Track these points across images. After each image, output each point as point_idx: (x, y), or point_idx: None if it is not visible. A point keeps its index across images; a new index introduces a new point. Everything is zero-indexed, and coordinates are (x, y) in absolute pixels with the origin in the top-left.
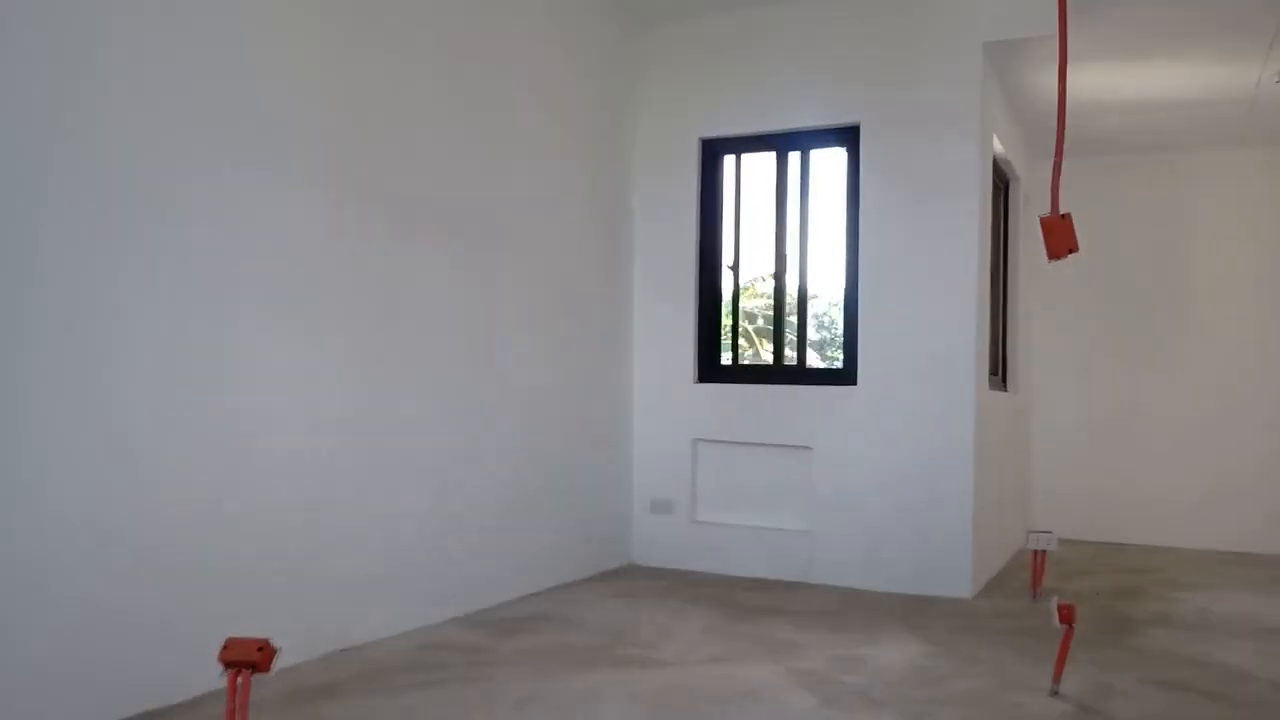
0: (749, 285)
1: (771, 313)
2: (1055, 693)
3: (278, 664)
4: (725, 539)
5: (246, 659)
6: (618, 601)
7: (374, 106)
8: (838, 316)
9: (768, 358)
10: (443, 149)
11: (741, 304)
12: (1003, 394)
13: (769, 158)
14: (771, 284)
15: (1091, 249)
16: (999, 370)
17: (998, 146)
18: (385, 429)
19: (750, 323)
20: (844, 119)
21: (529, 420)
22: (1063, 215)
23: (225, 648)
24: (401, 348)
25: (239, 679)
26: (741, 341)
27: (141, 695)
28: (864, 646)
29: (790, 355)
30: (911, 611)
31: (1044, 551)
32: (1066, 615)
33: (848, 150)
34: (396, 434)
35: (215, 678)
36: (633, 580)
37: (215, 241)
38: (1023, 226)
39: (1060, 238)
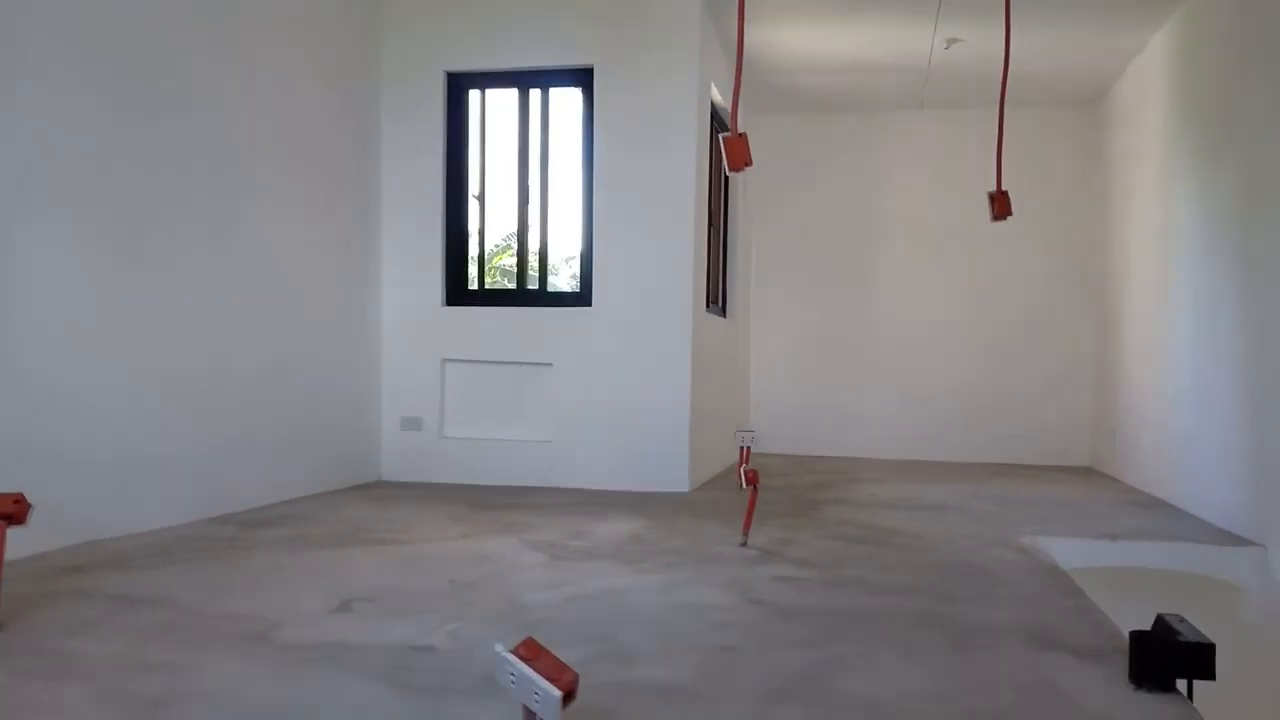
0: (496, 248)
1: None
2: (744, 544)
3: (22, 550)
4: (472, 452)
5: (2, 511)
6: (366, 504)
7: (129, 26)
8: (577, 244)
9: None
10: (194, 69)
11: (488, 259)
12: (721, 320)
13: (512, 94)
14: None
15: (802, 197)
16: (719, 299)
17: (717, 95)
18: (135, 335)
19: (503, 277)
20: (578, 61)
21: (277, 339)
22: (740, 134)
23: None
24: (153, 255)
25: None
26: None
27: None
28: (591, 523)
29: (533, 280)
30: (638, 502)
31: (748, 448)
32: (751, 478)
33: (583, 90)
34: (145, 341)
35: None
36: (381, 490)
37: None
38: (741, 175)
39: (738, 154)
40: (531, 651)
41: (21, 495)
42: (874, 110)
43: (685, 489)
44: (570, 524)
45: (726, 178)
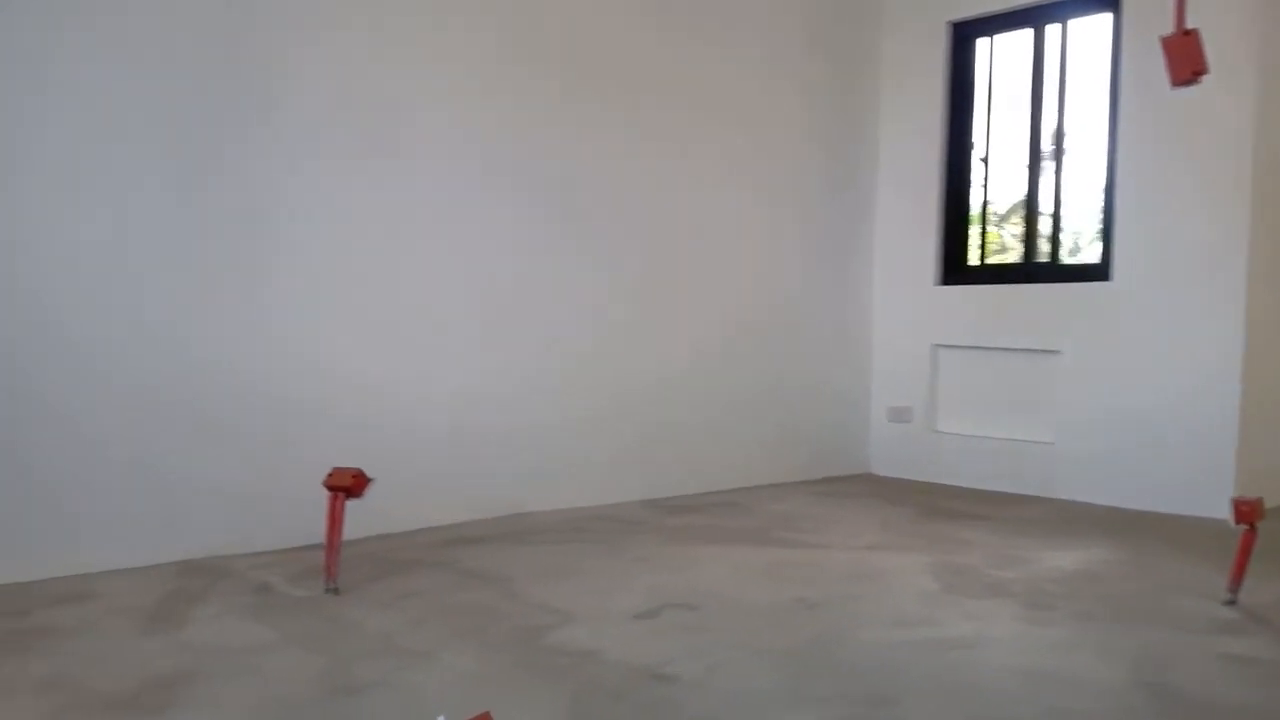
0: (1003, 214)
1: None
2: (1230, 600)
3: (440, 519)
4: (963, 449)
5: (343, 484)
6: (815, 499)
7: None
8: (1096, 207)
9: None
10: (648, 32)
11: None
12: None
13: (1025, 36)
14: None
15: None
16: None
17: None
18: (597, 326)
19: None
20: None
21: (758, 318)
22: (1187, 32)
23: (330, 475)
24: (615, 243)
25: (337, 501)
26: (990, 241)
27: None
28: (1042, 550)
29: (1043, 252)
30: (1138, 527)
31: None
32: (1246, 514)
33: (1113, 16)
34: (617, 322)
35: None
36: (853, 485)
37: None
38: None
39: (1184, 58)
40: None
41: (361, 471)
42: None
43: (1225, 515)
44: (1016, 548)
45: None
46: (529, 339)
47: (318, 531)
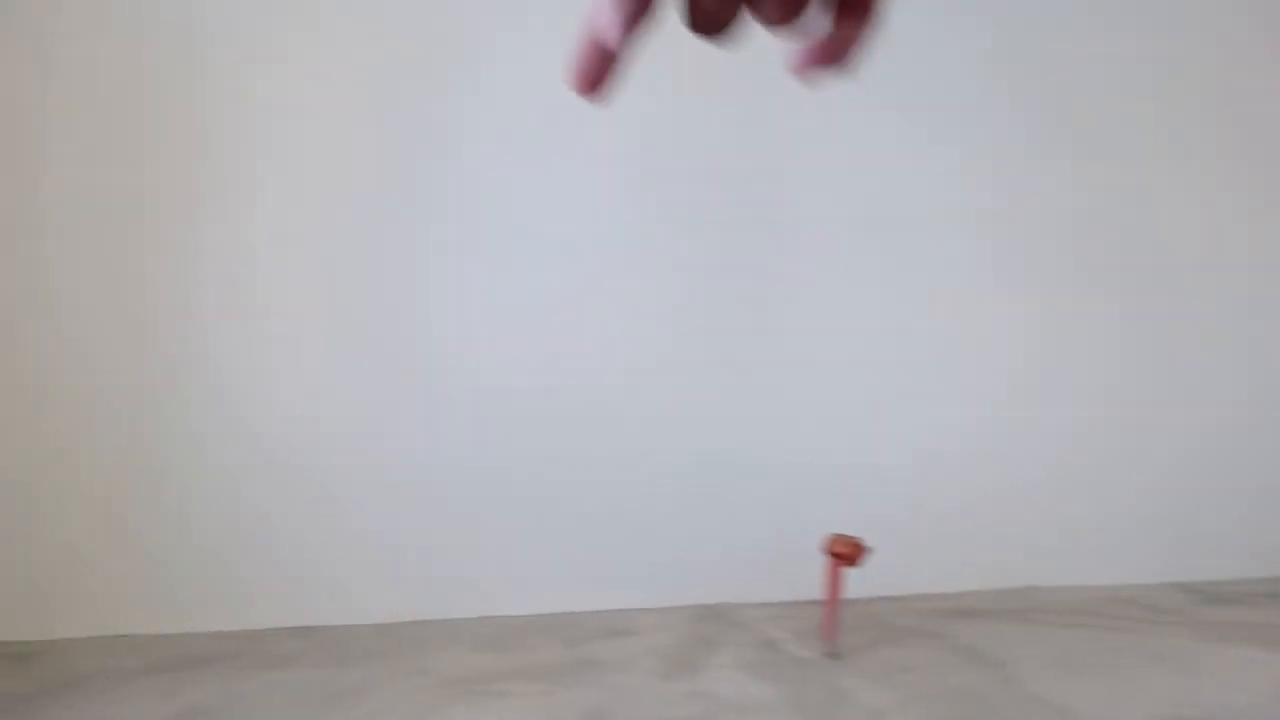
0: None
1: None
2: None
3: (942, 586)
4: None
5: (840, 552)
6: None
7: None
8: None
9: None
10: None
11: None
12: None
13: None
14: None
15: None
16: None
17: None
18: (1133, 378)
19: None
20: None
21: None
22: None
23: (829, 541)
24: (1148, 290)
25: (835, 568)
26: None
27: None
28: None
29: None
30: None
31: None
32: None
33: None
34: (1141, 383)
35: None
36: None
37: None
38: None
39: None
40: None
41: (858, 540)
42: None
43: None
44: None
45: None
46: (1053, 393)
47: (820, 587)
